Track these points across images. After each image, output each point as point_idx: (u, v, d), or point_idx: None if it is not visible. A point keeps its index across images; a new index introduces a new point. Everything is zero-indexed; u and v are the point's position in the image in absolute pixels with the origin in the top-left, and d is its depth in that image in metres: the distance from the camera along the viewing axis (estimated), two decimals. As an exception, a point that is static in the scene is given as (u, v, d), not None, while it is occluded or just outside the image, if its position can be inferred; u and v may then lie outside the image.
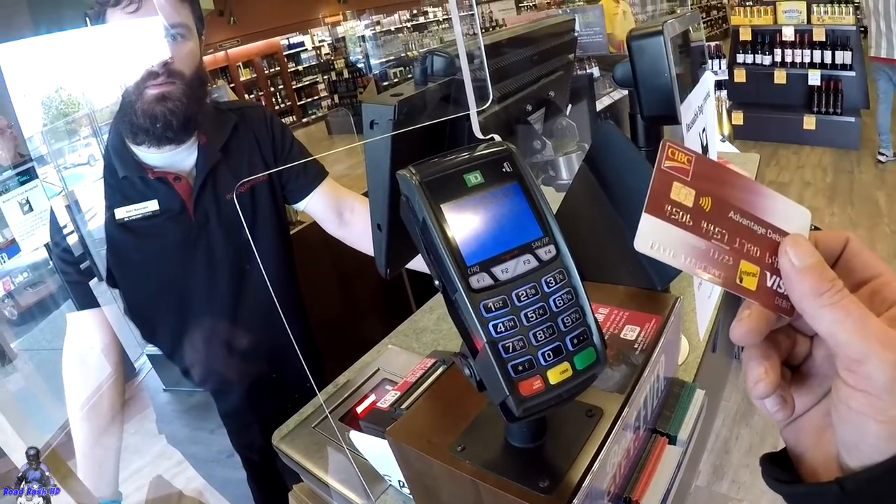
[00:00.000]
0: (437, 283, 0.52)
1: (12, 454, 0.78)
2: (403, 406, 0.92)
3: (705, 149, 1.16)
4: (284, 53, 11.74)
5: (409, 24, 12.48)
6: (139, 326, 1.32)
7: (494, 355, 0.47)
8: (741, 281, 0.40)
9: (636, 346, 0.75)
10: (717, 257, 0.40)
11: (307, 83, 11.99)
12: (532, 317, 0.48)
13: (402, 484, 0.88)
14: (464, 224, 0.48)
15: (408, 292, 2.16)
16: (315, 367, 1.50)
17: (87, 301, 1.24)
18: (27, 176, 1.33)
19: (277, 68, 11.65)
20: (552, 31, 1.13)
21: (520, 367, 0.48)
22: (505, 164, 0.52)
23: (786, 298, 0.39)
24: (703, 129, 1.14)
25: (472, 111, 0.56)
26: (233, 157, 1.27)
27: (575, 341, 0.49)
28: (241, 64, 11.13)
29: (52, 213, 1.23)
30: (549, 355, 0.48)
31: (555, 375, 0.48)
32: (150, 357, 1.43)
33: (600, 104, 3.83)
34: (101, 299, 1.26)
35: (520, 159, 0.53)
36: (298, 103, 11.87)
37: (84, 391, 1.24)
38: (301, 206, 1.39)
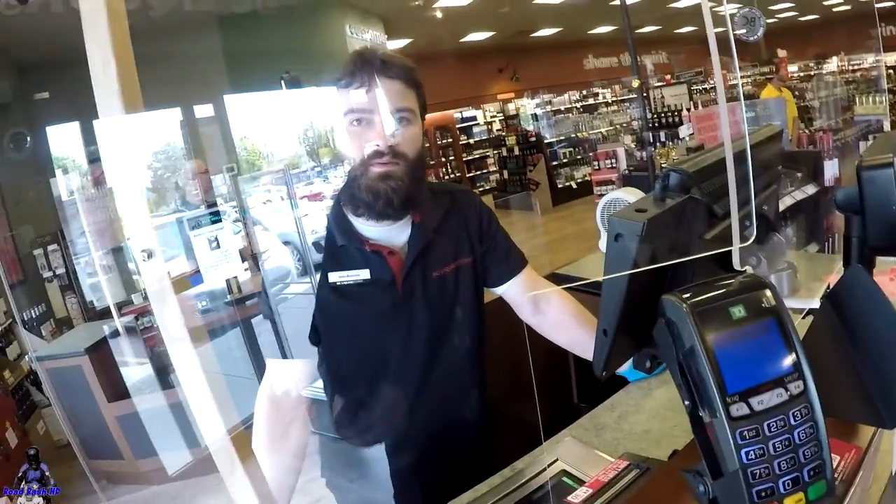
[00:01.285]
0: (686, 403, 0.54)
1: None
2: (596, 504, 0.92)
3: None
4: (457, 126, 12.39)
5: (578, 105, 12.70)
6: (329, 381, 1.41)
7: (745, 480, 0.51)
8: None
9: (836, 475, 0.74)
10: None
11: (477, 156, 12.51)
12: (778, 447, 0.52)
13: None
14: (728, 354, 0.51)
15: (571, 380, 2.13)
16: (486, 441, 1.53)
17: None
18: (217, 216, 1.52)
19: (449, 139, 12.29)
20: (766, 144, 1.11)
21: (763, 493, 0.52)
22: (764, 300, 0.55)
23: None
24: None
25: (735, 246, 0.58)
26: (443, 237, 1.36)
27: (811, 472, 0.53)
28: (416, 133, 11.88)
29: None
30: (788, 484, 0.52)
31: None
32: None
33: (782, 204, 3.62)
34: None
35: (778, 296, 0.55)
36: (468, 175, 12.37)
37: (271, 432, 1.35)
38: (500, 290, 1.45)
